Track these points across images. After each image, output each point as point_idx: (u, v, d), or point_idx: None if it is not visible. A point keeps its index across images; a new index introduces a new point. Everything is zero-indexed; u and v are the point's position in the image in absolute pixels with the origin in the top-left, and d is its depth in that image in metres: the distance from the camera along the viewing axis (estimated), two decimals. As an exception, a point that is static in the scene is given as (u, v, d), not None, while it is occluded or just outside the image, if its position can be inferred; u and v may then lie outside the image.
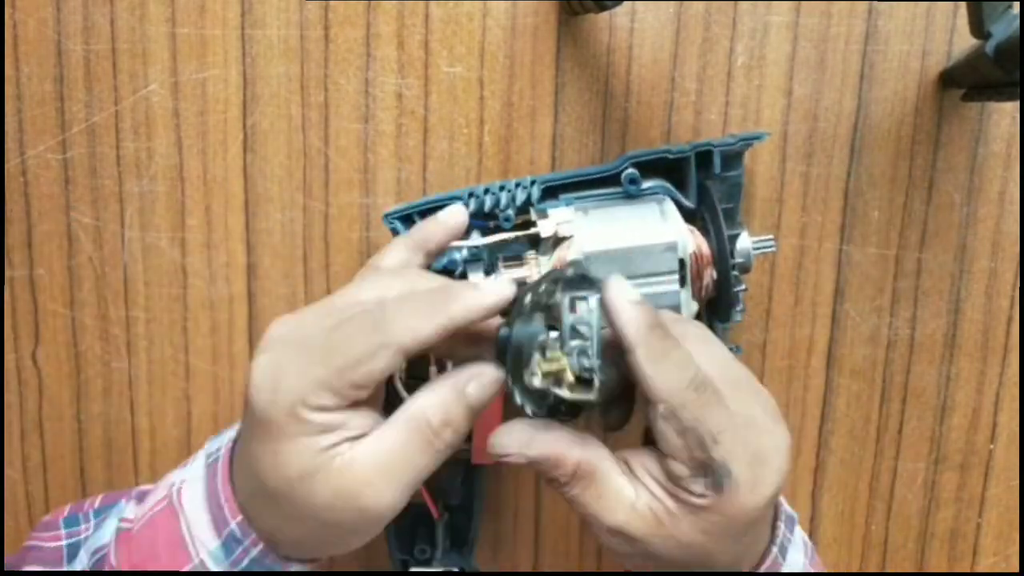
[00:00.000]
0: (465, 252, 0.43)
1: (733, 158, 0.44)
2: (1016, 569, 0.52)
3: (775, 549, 0.39)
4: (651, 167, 0.44)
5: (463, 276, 0.43)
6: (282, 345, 0.35)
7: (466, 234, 0.43)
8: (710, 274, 0.43)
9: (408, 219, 0.44)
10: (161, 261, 0.49)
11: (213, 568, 0.37)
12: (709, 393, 0.34)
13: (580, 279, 0.36)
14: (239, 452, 0.37)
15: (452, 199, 0.43)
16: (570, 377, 0.34)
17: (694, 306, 0.43)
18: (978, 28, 0.41)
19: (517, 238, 0.43)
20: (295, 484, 0.34)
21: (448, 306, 0.34)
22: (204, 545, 0.37)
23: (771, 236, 0.45)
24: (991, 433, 0.52)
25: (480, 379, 0.36)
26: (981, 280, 0.50)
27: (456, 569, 0.48)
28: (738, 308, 0.45)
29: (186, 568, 0.37)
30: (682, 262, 0.42)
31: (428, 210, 0.43)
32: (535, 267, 0.43)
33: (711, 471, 0.34)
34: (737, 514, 0.35)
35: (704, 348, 0.37)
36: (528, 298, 0.35)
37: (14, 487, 0.51)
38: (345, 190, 0.49)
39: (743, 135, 0.44)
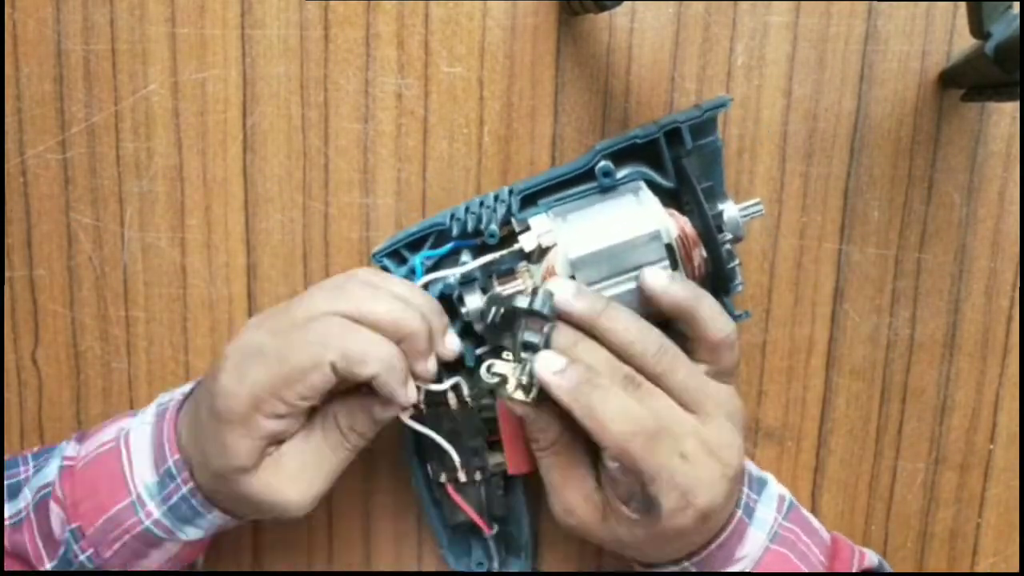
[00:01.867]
0: (459, 275, 0.44)
1: (705, 126, 0.44)
2: (1016, 569, 0.52)
3: (739, 512, 0.43)
4: (625, 153, 0.44)
5: (460, 299, 0.44)
6: (247, 353, 0.40)
7: (456, 256, 0.45)
8: (700, 253, 0.43)
9: (396, 253, 0.45)
10: (161, 261, 0.49)
11: (147, 500, 0.42)
12: (649, 438, 0.39)
13: (535, 313, 0.41)
14: (191, 420, 0.42)
15: (434, 225, 0.44)
16: (511, 383, 0.41)
17: None
18: (978, 28, 0.41)
19: (503, 256, 0.44)
20: (233, 473, 0.40)
21: (389, 372, 0.40)
22: (142, 479, 0.42)
23: (757, 200, 0.45)
24: (991, 433, 0.52)
25: (385, 410, 0.42)
26: (981, 280, 0.50)
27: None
28: (737, 282, 0.44)
29: (122, 502, 0.42)
30: (669, 247, 0.42)
31: (414, 242, 0.45)
32: (529, 278, 0.43)
33: (641, 501, 0.40)
34: (664, 531, 0.40)
35: (645, 391, 0.41)
36: (491, 314, 0.42)
37: (14, 487, 0.51)
38: (345, 190, 0.49)
39: (707, 104, 0.43)
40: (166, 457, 0.42)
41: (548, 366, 0.39)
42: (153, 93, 0.48)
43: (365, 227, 0.49)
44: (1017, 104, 0.48)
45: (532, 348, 0.40)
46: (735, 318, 0.45)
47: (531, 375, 0.40)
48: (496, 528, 0.48)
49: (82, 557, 0.42)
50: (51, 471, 0.44)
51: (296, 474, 0.41)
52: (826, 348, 0.51)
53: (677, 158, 0.44)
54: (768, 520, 0.43)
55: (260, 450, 0.40)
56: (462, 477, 0.46)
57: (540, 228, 0.43)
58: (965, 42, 0.46)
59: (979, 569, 0.53)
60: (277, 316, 0.41)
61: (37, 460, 0.46)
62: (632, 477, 0.39)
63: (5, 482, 0.45)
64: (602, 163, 0.43)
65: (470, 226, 0.44)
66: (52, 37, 0.47)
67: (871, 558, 0.46)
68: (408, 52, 0.48)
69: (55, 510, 0.43)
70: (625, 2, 0.43)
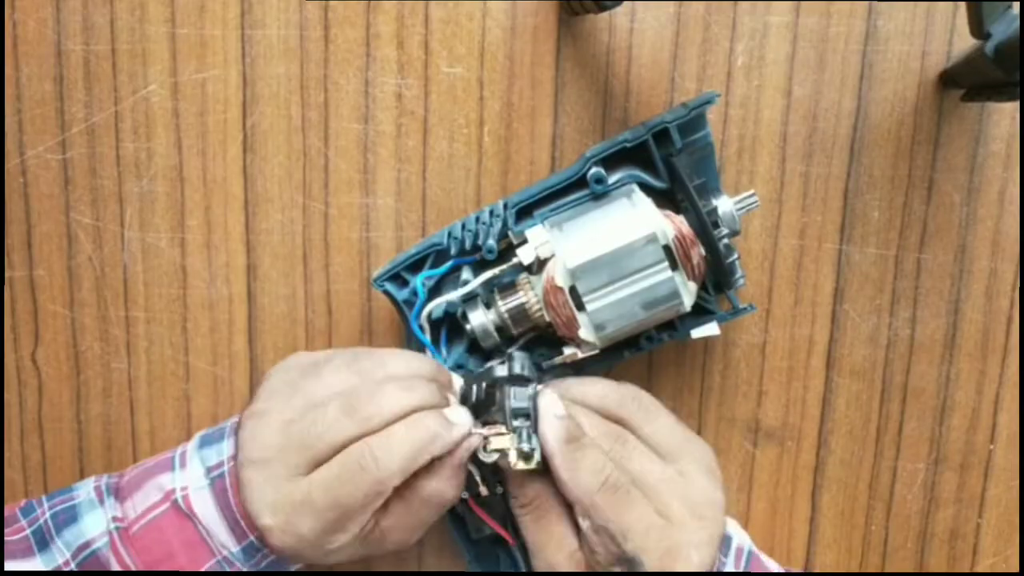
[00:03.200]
0: (461, 293, 0.44)
1: (694, 123, 0.44)
2: (1016, 569, 0.52)
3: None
4: (616, 158, 0.44)
5: (463, 316, 0.45)
6: (285, 506, 0.40)
7: (456, 273, 0.45)
8: (698, 252, 0.43)
9: (397, 276, 0.45)
10: (161, 261, 0.49)
11: (235, 561, 0.43)
12: (620, 494, 0.40)
13: (518, 377, 0.43)
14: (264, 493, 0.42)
15: (432, 245, 0.45)
16: (513, 456, 0.41)
17: (692, 286, 0.43)
18: (978, 28, 0.41)
19: (503, 270, 0.44)
20: (337, 562, 0.43)
21: (431, 445, 0.40)
22: (223, 546, 0.43)
23: (752, 192, 0.45)
24: (991, 433, 0.52)
25: (467, 449, 0.42)
26: (981, 280, 0.50)
27: None
28: (738, 276, 0.45)
29: (208, 563, 0.42)
30: (667, 248, 0.42)
31: (414, 263, 0.45)
32: (530, 290, 0.44)
33: (624, 561, 0.41)
34: None
35: (631, 448, 0.43)
36: (474, 392, 0.43)
37: (14, 487, 0.51)
38: (345, 190, 0.49)
39: (693, 102, 0.43)
40: (245, 533, 0.42)
41: (549, 409, 0.41)
42: (153, 93, 0.48)
43: (365, 227, 0.49)
44: (1017, 104, 0.48)
45: (523, 414, 0.41)
46: (739, 311, 0.45)
47: (530, 441, 0.41)
48: (521, 540, 0.48)
49: None
50: (89, 527, 0.43)
51: (401, 537, 0.43)
52: (826, 348, 0.51)
53: (668, 158, 0.44)
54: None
55: (345, 550, 0.42)
56: (484, 491, 0.46)
57: (537, 240, 0.43)
58: (965, 42, 0.46)
59: (979, 569, 0.53)
60: (293, 452, 0.41)
61: (52, 500, 0.45)
62: (605, 537, 0.40)
63: (28, 530, 0.44)
64: (593, 170, 0.43)
65: (468, 243, 0.44)
66: (52, 37, 0.47)
67: None
68: (408, 52, 0.48)
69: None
70: (625, 2, 0.43)
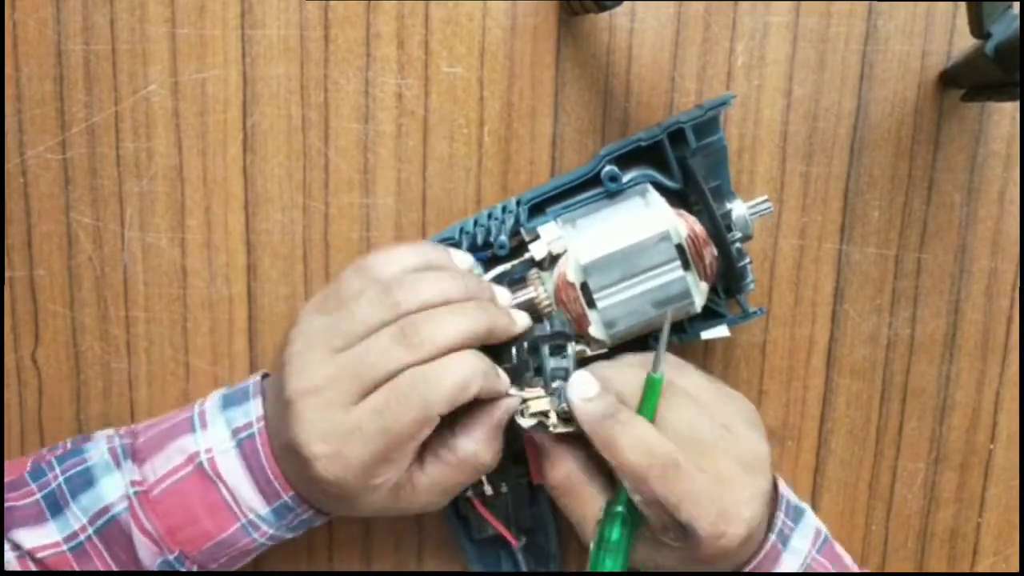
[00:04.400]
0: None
1: (708, 125, 0.44)
2: (1016, 569, 0.52)
3: (773, 536, 0.43)
4: (630, 157, 0.44)
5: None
6: (336, 434, 0.39)
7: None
8: (711, 252, 0.43)
9: None
10: (161, 261, 0.49)
11: (261, 524, 0.43)
12: (670, 467, 0.39)
13: (557, 333, 0.42)
14: (297, 472, 0.41)
15: (444, 239, 0.45)
16: (553, 417, 0.41)
17: (704, 286, 0.43)
18: (978, 28, 0.41)
19: (514, 266, 0.44)
20: (370, 513, 0.42)
21: (482, 379, 0.40)
22: (251, 509, 0.43)
23: (765, 197, 0.45)
24: (991, 433, 0.52)
25: (505, 410, 0.42)
26: (981, 280, 0.50)
27: None
28: (749, 280, 0.45)
29: (232, 528, 0.42)
30: (680, 248, 0.42)
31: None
32: (540, 285, 0.44)
33: (678, 529, 0.40)
34: (705, 556, 0.40)
35: (671, 412, 0.41)
36: (513, 354, 0.42)
37: (14, 487, 0.51)
38: (345, 190, 0.49)
39: (709, 103, 0.43)
40: (278, 493, 0.42)
41: (580, 392, 0.40)
42: (153, 93, 0.48)
43: (365, 227, 0.49)
44: (1017, 104, 0.48)
45: (562, 376, 0.41)
46: (749, 315, 0.46)
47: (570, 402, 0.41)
48: (524, 540, 0.48)
49: (184, 570, 0.43)
50: (106, 491, 0.43)
51: (432, 499, 0.43)
52: (826, 348, 0.51)
53: (682, 159, 0.44)
54: (802, 551, 0.43)
55: (384, 497, 0.41)
56: (488, 490, 0.46)
57: (550, 236, 0.43)
58: (965, 42, 0.46)
59: (979, 569, 0.53)
60: (336, 325, 0.40)
61: (63, 464, 0.44)
62: (657, 508, 0.40)
63: (39, 494, 0.43)
64: (607, 168, 0.43)
65: (480, 239, 0.44)
66: (52, 37, 0.47)
67: None
68: (408, 52, 0.48)
69: (143, 541, 0.42)
70: (625, 2, 0.43)
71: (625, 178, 0.44)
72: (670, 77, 0.48)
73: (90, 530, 0.43)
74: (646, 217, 0.42)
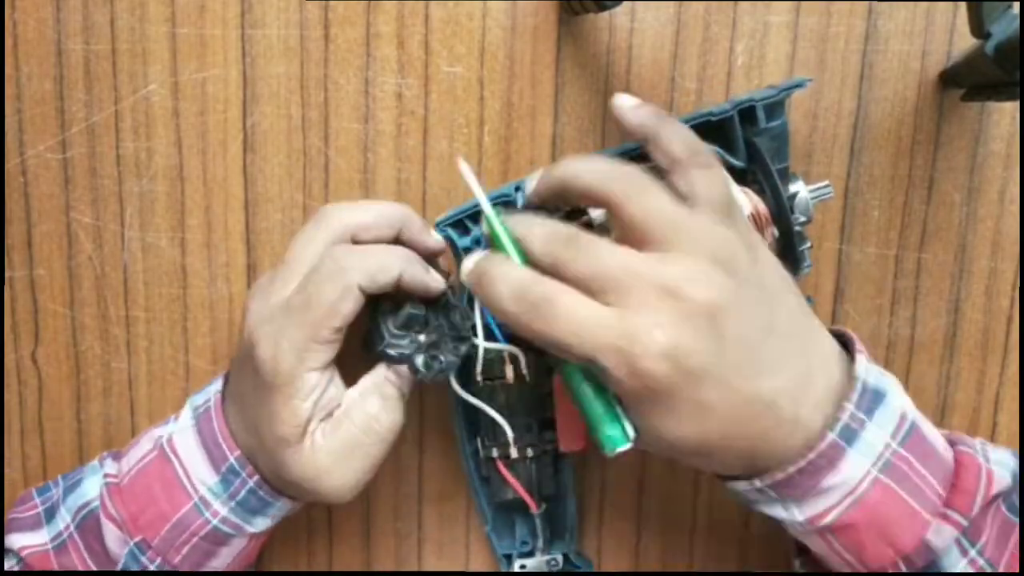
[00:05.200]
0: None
1: (775, 110, 0.43)
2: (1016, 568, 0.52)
3: (832, 434, 0.37)
4: (694, 132, 0.43)
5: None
6: (273, 314, 0.40)
7: None
8: (771, 232, 0.43)
9: (459, 223, 0.44)
10: (161, 261, 0.49)
11: (212, 501, 0.42)
12: (541, 308, 0.35)
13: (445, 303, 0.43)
14: (237, 407, 0.43)
15: (500, 196, 0.43)
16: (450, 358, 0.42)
17: None
18: (978, 28, 0.41)
19: (568, 219, 0.42)
20: (278, 448, 0.41)
21: (404, 265, 0.41)
22: (203, 482, 0.43)
23: (827, 182, 0.44)
24: (991, 433, 0.52)
25: (397, 373, 0.43)
26: (981, 280, 0.50)
27: (559, 556, 0.49)
28: (806, 263, 0.44)
29: (185, 507, 0.42)
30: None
31: (477, 214, 0.43)
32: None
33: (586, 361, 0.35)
34: (637, 392, 0.35)
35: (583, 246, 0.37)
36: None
37: (14, 487, 0.51)
38: (345, 190, 0.49)
39: (783, 84, 0.43)
40: (226, 455, 0.43)
41: (467, 270, 0.39)
42: (153, 93, 0.48)
43: (365, 227, 0.49)
44: (1017, 104, 0.48)
45: (419, 319, 0.42)
46: None
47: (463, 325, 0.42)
48: (543, 507, 0.47)
49: (150, 567, 0.43)
50: (88, 489, 0.45)
51: (332, 462, 0.41)
52: (826, 348, 0.51)
53: (749, 138, 0.43)
54: (878, 444, 0.37)
55: (301, 418, 0.40)
56: (514, 453, 0.45)
57: None
58: (965, 42, 0.46)
59: (979, 569, 0.52)
60: (278, 278, 0.41)
61: (66, 481, 0.47)
62: (552, 351, 0.37)
63: (41, 507, 0.46)
64: None
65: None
66: (52, 37, 0.47)
67: (1001, 477, 0.39)
68: (408, 52, 0.48)
69: (109, 528, 0.43)
70: (625, 2, 0.43)
71: None
72: (670, 77, 0.48)
73: (72, 527, 0.44)
74: None
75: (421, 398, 0.50)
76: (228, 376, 0.45)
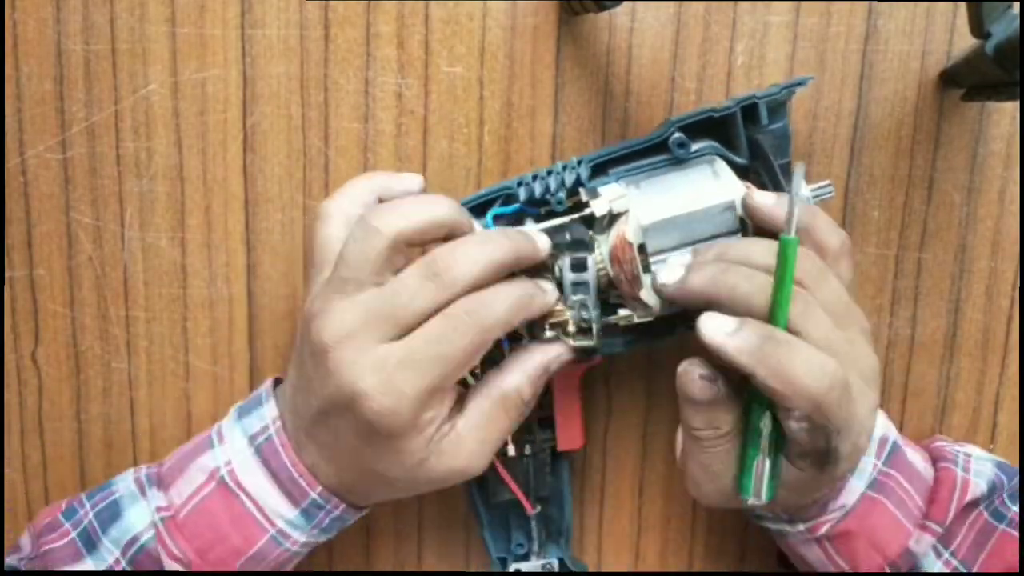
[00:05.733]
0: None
1: (777, 108, 0.43)
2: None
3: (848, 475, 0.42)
4: (696, 129, 0.43)
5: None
6: (386, 365, 0.38)
7: (520, 223, 0.44)
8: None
9: (477, 209, 0.44)
10: (161, 261, 0.49)
11: (291, 532, 0.42)
12: (843, 387, 0.36)
13: (577, 242, 0.42)
14: (325, 447, 0.41)
15: (502, 189, 0.44)
16: (572, 328, 0.41)
17: None
18: (978, 28, 0.41)
19: (572, 221, 0.43)
20: (413, 470, 0.40)
21: (530, 304, 0.40)
22: (280, 516, 0.42)
23: (828, 181, 0.44)
24: (991, 433, 0.52)
25: (558, 355, 0.42)
26: (981, 280, 0.50)
27: (555, 560, 0.49)
28: None
29: (260, 540, 0.42)
30: (743, 220, 0.42)
31: (480, 206, 0.44)
32: (596, 247, 0.43)
33: (818, 454, 0.38)
34: (831, 478, 0.39)
35: (809, 323, 0.37)
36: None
37: (14, 487, 0.51)
38: (345, 190, 0.49)
39: (787, 82, 0.43)
40: (306, 492, 0.41)
41: (718, 330, 0.37)
42: (153, 93, 0.48)
43: (365, 227, 0.49)
44: (1017, 104, 0.48)
45: (584, 289, 0.41)
46: None
47: (590, 308, 0.41)
48: (538, 508, 0.47)
49: None
50: (134, 521, 0.43)
51: (474, 448, 0.40)
52: (826, 348, 0.51)
53: (751, 135, 0.43)
54: (867, 468, 0.43)
55: (428, 441, 0.39)
56: (511, 451, 0.45)
57: (612, 194, 0.42)
58: (965, 42, 0.46)
59: (979, 569, 0.53)
60: (347, 292, 0.38)
61: (92, 499, 0.44)
62: (815, 433, 0.37)
63: (74, 532, 0.43)
64: (676, 135, 0.43)
65: (538, 192, 0.43)
66: (52, 37, 0.47)
67: (976, 485, 0.44)
68: (408, 52, 0.48)
69: (172, 567, 0.42)
70: (625, 2, 0.43)
71: (692, 148, 0.43)
72: (670, 77, 0.48)
73: (123, 562, 0.42)
74: (713, 185, 0.42)
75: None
76: (279, 397, 0.43)
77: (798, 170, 0.36)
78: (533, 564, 0.49)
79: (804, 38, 0.48)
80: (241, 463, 0.42)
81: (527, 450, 0.45)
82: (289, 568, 0.45)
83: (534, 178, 0.44)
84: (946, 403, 0.51)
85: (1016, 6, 0.41)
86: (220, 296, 0.50)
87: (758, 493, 0.38)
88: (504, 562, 0.49)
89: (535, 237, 0.41)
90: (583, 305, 0.41)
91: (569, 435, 0.45)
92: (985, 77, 0.44)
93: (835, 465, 0.38)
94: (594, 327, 0.41)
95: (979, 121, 0.49)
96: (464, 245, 0.39)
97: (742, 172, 0.44)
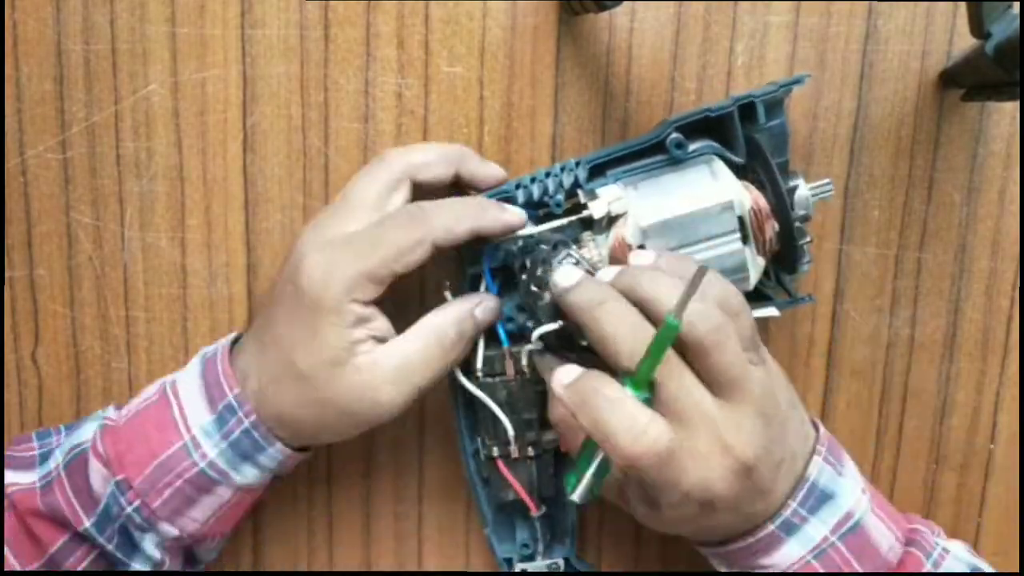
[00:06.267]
0: (521, 243, 0.43)
1: (774, 107, 0.44)
2: (1016, 569, 0.52)
3: (772, 526, 0.41)
4: (694, 129, 0.43)
5: (523, 268, 0.43)
6: (331, 245, 0.41)
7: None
8: (772, 227, 0.43)
9: None
10: (161, 261, 0.49)
11: (203, 441, 0.42)
12: (657, 460, 0.37)
13: (556, 246, 0.42)
14: (259, 341, 0.43)
15: (500, 192, 0.44)
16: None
17: (760, 261, 0.43)
18: (978, 28, 0.41)
19: (570, 223, 0.43)
20: (323, 369, 0.40)
21: (480, 214, 0.41)
22: (196, 421, 0.42)
23: (828, 180, 0.45)
24: (991, 433, 0.52)
25: (485, 304, 0.43)
26: (981, 280, 0.50)
27: (561, 560, 0.49)
28: (805, 260, 0.44)
29: (175, 446, 0.42)
30: (741, 220, 0.42)
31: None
32: (594, 248, 0.43)
33: (645, 496, 0.39)
34: (669, 520, 0.40)
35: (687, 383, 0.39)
36: (532, 285, 0.42)
37: (14, 487, 0.51)
38: (345, 190, 0.49)
39: (783, 81, 0.43)
40: (224, 393, 0.42)
41: (559, 379, 0.39)
42: (153, 93, 0.48)
43: (365, 227, 0.49)
44: (1017, 104, 0.48)
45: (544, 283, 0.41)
46: (797, 300, 0.45)
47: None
48: (543, 509, 0.47)
49: (128, 509, 0.42)
50: (85, 431, 0.45)
51: (392, 373, 0.41)
52: (826, 348, 0.51)
53: (749, 134, 0.43)
54: (816, 537, 0.41)
55: (348, 341, 0.40)
56: (514, 452, 0.45)
57: (611, 196, 0.42)
58: (965, 42, 0.46)
59: (979, 569, 0.53)
60: (336, 214, 0.42)
61: (69, 428, 0.47)
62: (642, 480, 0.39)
63: (38, 451, 0.45)
64: (674, 135, 0.43)
65: (536, 194, 0.44)
66: (52, 37, 0.47)
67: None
68: (408, 52, 0.48)
69: (95, 466, 0.43)
70: (625, 2, 0.43)
71: (689, 148, 0.43)
72: (670, 77, 0.48)
73: (61, 466, 0.44)
74: (711, 186, 0.42)
75: (421, 399, 0.50)
76: (255, 317, 0.46)
77: (702, 271, 0.36)
78: (539, 564, 0.49)
79: (804, 38, 0.48)
80: (185, 374, 0.44)
81: (531, 451, 0.45)
82: (203, 510, 0.43)
83: (532, 180, 0.44)
84: (946, 403, 0.51)
85: (1016, 6, 0.41)
86: (220, 296, 0.50)
87: (582, 493, 0.39)
88: (509, 563, 0.49)
89: (511, 209, 0.43)
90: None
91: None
92: (985, 77, 0.44)
93: (658, 508, 0.39)
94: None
95: (979, 121, 0.49)
96: (450, 201, 0.42)
97: (740, 171, 0.44)
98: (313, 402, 0.41)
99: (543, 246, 0.42)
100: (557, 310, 0.41)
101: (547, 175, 0.44)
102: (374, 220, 0.42)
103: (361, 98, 0.48)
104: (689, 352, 0.38)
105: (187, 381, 0.44)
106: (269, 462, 0.43)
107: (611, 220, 0.42)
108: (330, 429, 0.43)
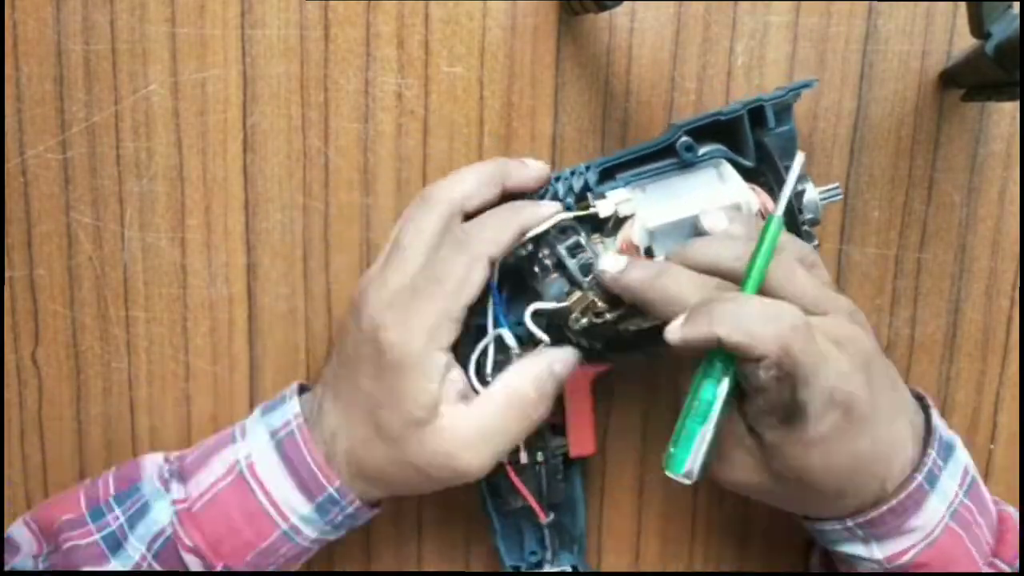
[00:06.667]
0: (530, 246, 0.43)
1: (784, 111, 0.44)
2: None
3: (919, 476, 0.40)
4: (703, 132, 0.43)
5: (531, 257, 0.43)
6: (398, 297, 0.40)
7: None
8: None
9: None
10: (161, 261, 0.49)
11: (303, 528, 0.42)
12: (805, 331, 0.36)
13: (563, 230, 0.42)
14: (342, 400, 0.42)
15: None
16: (600, 304, 0.41)
17: None
18: (978, 28, 0.41)
19: (580, 225, 0.43)
20: (407, 429, 0.40)
21: (518, 217, 0.41)
22: (292, 511, 0.42)
23: (836, 184, 0.45)
24: (991, 433, 0.52)
25: (564, 358, 0.42)
26: (981, 280, 0.50)
27: (568, 568, 0.48)
28: None
29: (273, 535, 0.42)
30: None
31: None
32: (603, 250, 0.43)
33: (788, 409, 0.37)
34: (812, 440, 0.37)
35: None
36: (536, 268, 0.42)
37: (14, 487, 0.51)
38: (345, 190, 0.49)
39: (792, 85, 0.43)
40: (322, 486, 0.42)
41: (672, 331, 0.37)
42: (153, 93, 0.48)
43: (365, 227, 0.49)
44: (1017, 104, 0.48)
45: (588, 270, 0.41)
46: None
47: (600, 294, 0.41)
48: (552, 516, 0.47)
49: None
50: (157, 516, 0.43)
51: (472, 439, 0.41)
52: (826, 348, 0.51)
53: (758, 138, 0.43)
54: (950, 493, 0.41)
55: (431, 396, 0.40)
56: (523, 458, 0.45)
57: (619, 198, 0.42)
58: (965, 42, 0.46)
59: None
60: (391, 266, 0.41)
61: (123, 505, 0.44)
62: (785, 383, 0.36)
63: (98, 536, 0.43)
64: (684, 139, 0.43)
65: (547, 198, 0.44)
66: (52, 37, 0.47)
67: None
68: (408, 52, 0.48)
69: (190, 559, 0.42)
70: (625, 2, 0.43)
71: (699, 152, 0.43)
72: (670, 77, 0.48)
73: (149, 557, 0.43)
74: (719, 189, 0.42)
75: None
76: (322, 388, 0.44)
77: (799, 158, 0.38)
78: (547, 572, 0.48)
79: (804, 38, 0.48)
80: (261, 457, 0.42)
81: (539, 457, 0.45)
82: (297, 566, 0.45)
83: None
84: (946, 403, 0.51)
85: (1016, 6, 0.41)
86: (220, 296, 0.50)
87: (691, 470, 0.36)
88: (518, 569, 0.49)
89: (550, 205, 0.43)
90: (598, 283, 0.41)
91: (581, 441, 0.45)
92: (985, 77, 0.44)
93: (804, 421, 0.37)
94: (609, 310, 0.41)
95: (979, 121, 0.49)
96: (487, 215, 0.42)
97: (749, 175, 0.44)
98: (401, 462, 0.41)
99: (550, 232, 0.43)
100: (564, 293, 0.42)
101: (558, 179, 0.44)
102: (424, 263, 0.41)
103: (361, 98, 0.48)
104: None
105: (266, 464, 0.42)
106: (361, 520, 0.45)
107: (619, 222, 0.43)
108: (413, 487, 0.43)
